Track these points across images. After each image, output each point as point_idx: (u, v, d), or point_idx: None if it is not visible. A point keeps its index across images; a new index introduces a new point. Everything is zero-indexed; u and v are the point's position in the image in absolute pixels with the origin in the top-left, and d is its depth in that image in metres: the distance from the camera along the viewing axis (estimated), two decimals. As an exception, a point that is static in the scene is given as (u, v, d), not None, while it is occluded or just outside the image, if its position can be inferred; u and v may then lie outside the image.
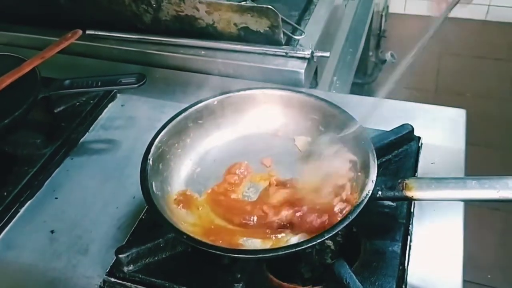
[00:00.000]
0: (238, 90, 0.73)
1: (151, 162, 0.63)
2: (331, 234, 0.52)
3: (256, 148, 0.71)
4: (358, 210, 0.54)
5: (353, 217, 0.53)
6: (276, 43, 0.89)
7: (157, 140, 0.65)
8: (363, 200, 0.55)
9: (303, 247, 0.52)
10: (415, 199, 0.58)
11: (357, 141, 0.62)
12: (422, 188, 0.57)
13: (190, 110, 0.70)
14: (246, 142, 0.72)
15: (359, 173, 0.61)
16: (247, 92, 0.73)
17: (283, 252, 0.53)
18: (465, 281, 0.59)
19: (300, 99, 0.71)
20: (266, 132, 0.73)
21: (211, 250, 0.53)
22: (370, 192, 0.56)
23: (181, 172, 0.68)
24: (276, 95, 0.73)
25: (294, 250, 0.53)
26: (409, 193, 0.57)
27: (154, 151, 0.64)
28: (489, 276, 1.56)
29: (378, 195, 0.58)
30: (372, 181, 0.57)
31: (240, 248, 0.58)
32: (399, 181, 0.58)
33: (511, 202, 0.54)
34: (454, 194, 0.56)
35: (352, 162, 0.63)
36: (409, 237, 0.62)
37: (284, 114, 0.72)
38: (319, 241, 0.52)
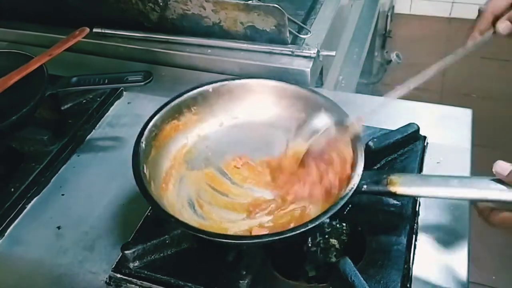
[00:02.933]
0: (233, 79, 0.73)
1: (143, 146, 0.63)
2: (314, 224, 0.53)
3: (249, 137, 0.72)
4: (342, 203, 0.54)
5: (336, 209, 0.53)
6: (282, 42, 0.89)
7: (150, 123, 0.65)
8: (347, 193, 0.55)
9: (287, 235, 0.52)
10: (398, 195, 0.58)
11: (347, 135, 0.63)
12: (406, 184, 0.57)
13: (185, 96, 0.70)
14: (239, 131, 0.72)
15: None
16: (242, 81, 0.73)
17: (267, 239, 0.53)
18: (469, 282, 0.58)
19: (294, 91, 0.72)
20: (260, 122, 0.73)
21: (199, 234, 0.54)
22: (355, 185, 0.56)
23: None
24: (270, 85, 0.73)
25: (277, 238, 0.53)
26: (392, 188, 0.57)
27: (147, 135, 0.64)
28: (493, 277, 1.56)
29: (363, 189, 0.58)
30: (358, 174, 0.57)
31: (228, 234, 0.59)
32: (384, 176, 0.58)
33: (490, 202, 0.54)
34: (436, 191, 0.57)
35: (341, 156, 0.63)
36: (414, 236, 0.62)
37: (277, 105, 0.72)
38: (301, 230, 0.52)
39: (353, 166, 0.59)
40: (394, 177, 0.58)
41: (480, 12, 0.64)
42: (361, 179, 0.57)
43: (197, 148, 0.70)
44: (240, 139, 0.71)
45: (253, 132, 0.72)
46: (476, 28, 0.64)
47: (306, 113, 0.70)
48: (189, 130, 0.71)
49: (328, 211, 0.54)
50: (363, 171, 0.58)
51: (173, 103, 0.69)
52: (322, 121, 0.67)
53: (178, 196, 0.64)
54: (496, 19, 0.63)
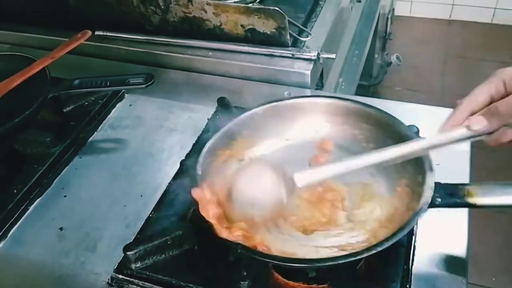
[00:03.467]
0: (283, 99, 0.71)
1: (199, 172, 0.61)
2: (389, 244, 0.51)
3: (301, 157, 0.69)
4: (417, 219, 0.52)
5: (411, 227, 0.52)
6: (283, 44, 0.90)
7: (204, 150, 0.63)
8: (422, 208, 0.53)
9: (358, 257, 0.51)
10: (478, 206, 0.55)
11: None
12: (486, 194, 0.55)
13: (236, 120, 0.68)
14: (291, 152, 0.70)
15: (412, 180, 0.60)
16: (292, 101, 0.71)
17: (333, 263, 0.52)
18: (469, 284, 0.59)
19: (347, 107, 0.69)
20: (312, 141, 0.70)
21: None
22: (430, 199, 0.54)
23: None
24: (322, 103, 0.71)
25: (351, 259, 0.51)
26: (471, 200, 0.55)
27: (202, 161, 0.62)
28: (493, 278, 1.56)
29: (437, 202, 0.55)
30: (431, 187, 0.55)
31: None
32: (460, 187, 0.56)
33: None
34: None
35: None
36: (413, 237, 0.62)
37: (330, 122, 0.70)
38: (374, 251, 0.51)
39: (423, 179, 0.57)
40: (471, 188, 0.56)
41: (457, 104, 0.55)
42: (434, 192, 0.55)
43: None
44: (291, 160, 0.67)
45: (305, 153, 0.69)
46: (449, 120, 0.56)
47: (360, 129, 0.68)
48: (241, 154, 0.68)
49: (403, 229, 0.52)
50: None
51: (224, 129, 0.67)
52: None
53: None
54: (472, 114, 0.55)
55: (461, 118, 0.55)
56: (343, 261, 0.51)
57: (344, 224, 0.61)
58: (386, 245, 0.51)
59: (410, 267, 0.59)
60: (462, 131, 0.54)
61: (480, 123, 0.53)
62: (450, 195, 0.56)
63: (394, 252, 0.60)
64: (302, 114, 0.71)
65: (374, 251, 0.51)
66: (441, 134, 0.56)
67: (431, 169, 0.57)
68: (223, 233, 0.55)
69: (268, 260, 0.53)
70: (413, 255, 0.60)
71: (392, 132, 0.65)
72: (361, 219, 0.61)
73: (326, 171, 0.57)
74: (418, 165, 0.59)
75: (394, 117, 0.66)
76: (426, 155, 0.59)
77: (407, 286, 0.57)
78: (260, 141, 0.70)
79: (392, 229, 0.54)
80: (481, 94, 0.54)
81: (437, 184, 0.56)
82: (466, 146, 0.75)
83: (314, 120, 0.71)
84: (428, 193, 0.55)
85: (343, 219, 0.62)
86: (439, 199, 0.55)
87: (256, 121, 0.69)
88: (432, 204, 0.55)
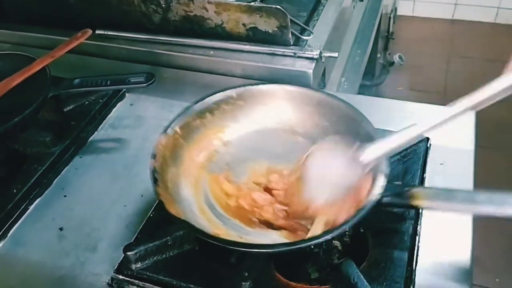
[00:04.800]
0: (257, 84, 0.72)
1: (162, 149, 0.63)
2: (335, 234, 0.52)
3: (270, 144, 0.70)
4: (361, 214, 0.53)
5: (354, 221, 0.52)
6: (285, 43, 0.89)
7: (170, 127, 0.65)
8: (366, 205, 0.54)
9: (302, 245, 0.52)
10: (420, 208, 0.57)
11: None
12: (430, 198, 0.56)
13: (208, 99, 0.69)
14: (261, 137, 0.71)
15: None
16: (266, 86, 0.72)
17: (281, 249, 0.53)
18: (473, 285, 0.58)
19: (319, 98, 0.70)
20: (282, 128, 0.71)
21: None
22: (377, 197, 0.54)
23: None
24: (295, 91, 0.71)
25: (293, 247, 0.52)
26: (414, 202, 0.56)
27: (166, 139, 0.64)
28: (497, 279, 1.55)
29: (383, 201, 0.56)
30: (380, 186, 0.55)
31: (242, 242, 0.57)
32: (406, 189, 0.57)
33: None
34: (462, 208, 0.55)
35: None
36: (417, 238, 0.62)
37: (300, 111, 0.71)
38: (322, 240, 0.52)
39: (374, 177, 0.57)
40: (416, 190, 0.56)
41: None
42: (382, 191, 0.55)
43: (219, 153, 0.69)
44: (262, 146, 0.70)
45: (275, 139, 0.70)
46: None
47: (330, 122, 0.68)
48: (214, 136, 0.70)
49: (348, 221, 0.53)
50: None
51: (195, 107, 0.68)
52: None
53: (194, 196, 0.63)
54: None
55: None
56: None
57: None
58: (328, 236, 0.52)
59: (413, 268, 0.58)
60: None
61: None
62: (396, 196, 0.57)
63: (398, 253, 0.59)
64: (274, 101, 0.71)
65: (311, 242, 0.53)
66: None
67: (384, 167, 0.57)
68: (172, 210, 0.55)
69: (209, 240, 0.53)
70: (417, 256, 0.60)
71: (354, 127, 0.65)
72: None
73: (387, 144, 0.58)
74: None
75: (359, 112, 0.66)
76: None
77: (411, 286, 0.57)
78: (231, 124, 0.71)
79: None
80: None
81: (387, 184, 0.56)
82: (470, 145, 0.74)
83: (286, 108, 0.71)
84: (376, 190, 0.55)
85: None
86: (385, 198, 0.56)
87: (229, 103, 0.70)
88: (379, 202, 0.55)
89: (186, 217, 0.56)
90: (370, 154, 0.58)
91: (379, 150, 0.58)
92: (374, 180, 0.57)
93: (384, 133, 0.71)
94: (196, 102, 0.68)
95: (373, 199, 0.54)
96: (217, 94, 0.70)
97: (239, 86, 0.71)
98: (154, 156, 0.61)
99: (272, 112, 0.72)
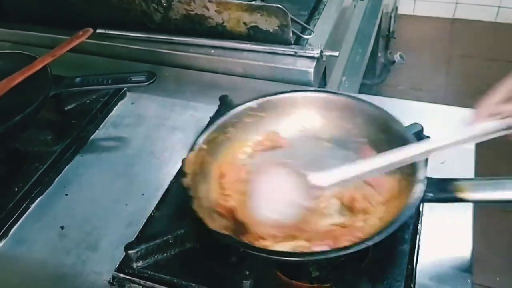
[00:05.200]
0: (276, 93, 0.71)
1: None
2: (382, 238, 0.51)
3: (295, 153, 0.69)
4: (408, 214, 0.52)
5: (402, 222, 0.52)
6: (285, 42, 0.89)
7: (199, 142, 0.64)
8: (413, 202, 0.53)
9: (351, 250, 0.51)
10: (469, 201, 0.55)
11: (400, 142, 0.60)
12: (477, 190, 0.55)
13: (230, 113, 0.68)
14: (286, 147, 0.70)
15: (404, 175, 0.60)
16: (287, 95, 0.71)
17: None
18: (474, 284, 0.58)
19: (342, 102, 0.70)
20: (306, 135, 0.71)
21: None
22: (422, 193, 0.54)
23: None
24: (318, 97, 0.71)
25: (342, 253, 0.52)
26: (461, 195, 0.54)
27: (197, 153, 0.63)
28: (497, 278, 1.55)
29: (428, 197, 0.55)
30: (423, 182, 0.55)
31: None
32: (449, 182, 0.56)
33: None
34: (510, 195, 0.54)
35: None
36: (418, 236, 0.62)
37: (324, 117, 0.70)
38: (368, 245, 0.51)
39: (413, 173, 0.56)
40: (461, 183, 0.55)
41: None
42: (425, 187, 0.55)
43: (245, 166, 0.68)
44: (287, 155, 0.68)
45: (301, 147, 0.70)
46: (477, 113, 0.55)
47: (355, 124, 0.68)
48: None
49: (392, 224, 0.52)
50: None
51: (218, 122, 0.67)
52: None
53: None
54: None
55: (486, 112, 0.55)
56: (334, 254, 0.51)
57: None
58: (378, 239, 0.51)
59: (414, 266, 0.58)
60: (491, 124, 0.54)
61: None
62: (440, 190, 0.56)
63: (398, 252, 0.59)
64: (296, 109, 0.71)
65: (365, 246, 0.51)
66: (465, 130, 0.56)
67: (424, 164, 0.57)
68: (214, 225, 0.54)
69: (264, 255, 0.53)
70: (418, 254, 0.60)
71: (385, 127, 0.65)
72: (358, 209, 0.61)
73: (348, 172, 0.56)
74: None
75: (387, 112, 0.66)
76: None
77: (411, 286, 0.57)
78: (254, 136, 0.70)
79: (385, 223, 0.54)
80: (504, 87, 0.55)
81: (428, 179, 0.56)
82: (470, 145, 0.74)
83: (309, 115, 0.71)
84: (419, 188, 0.55)
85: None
86: (430, 194, 0.55)
87: (250, 115, 0.69)
88: (424, 199, 0.55)
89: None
90: (325, 179, 0.56)
91: (334, 177, 0.56)
92: (411, 177, 0.56)
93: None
94: (218, 117, 0.68)
95: (419, 196, 0.53)
96: (238, 107, 0.69)
97: (259, 97, 0.70)
98: (184, 174, 0.60)
99: (294, 120, 0.71)
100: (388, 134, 0.64)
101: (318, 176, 0.56)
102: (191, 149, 0.64)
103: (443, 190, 0.56)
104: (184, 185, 0.59)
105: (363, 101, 0.68)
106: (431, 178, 0.56)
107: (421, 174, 0.56)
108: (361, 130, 0.68)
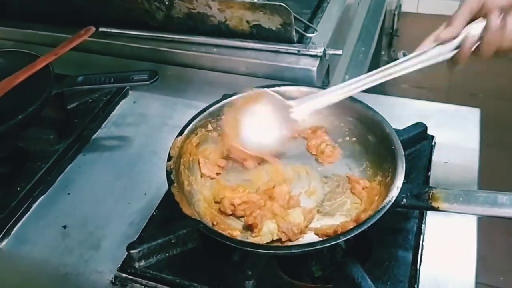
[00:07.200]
0: (269, 86, 0.71)
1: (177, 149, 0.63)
2: (346, 238, 0.52)
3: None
4: (378, 216, 0.52)
5: (372, 222, 0.52)
6: (288, 40, 0.89)
7: (188, 128, 0.65)
8: (384, 206, 0.53)
9: (316, 247, 0.52)
10: (440, 210, 0.55)
11: (386, 145, 0.61)
12: (449, 200, 0.54)
13: (220, 103, 0.69)
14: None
15: (385, 178, 0.60)
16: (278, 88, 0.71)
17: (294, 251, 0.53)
18: (477, 283, 0.58)
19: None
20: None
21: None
22: (394, 198, 0.54)
23: None
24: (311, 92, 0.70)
25: (307, 249, 0.52)
26: (435, 204, 0.54)
27: (183, 139, 0.64)
28: (501, 278, 1.54)
29: (402, 203, 0.56)
30: (397, 187, 0.55)
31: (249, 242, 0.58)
32: (426, 190, 0.56)
33: None
34: (483, 210, 0.53)
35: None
36: (421, 237, 0.61)
37: (315, 111, 0.70)
38: (333, 243, 0.52)
39: (393, 178, 0.57)
40: (436, 192, 0.55)
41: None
42: (400, 193, 0.55)
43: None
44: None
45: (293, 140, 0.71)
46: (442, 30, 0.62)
47: (345, 123, 0.70)
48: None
49: (364, 223, 0.52)
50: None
51: (210, 109, 0.68)
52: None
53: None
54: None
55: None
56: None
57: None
58: (342, 238, 0.52)
59: (418, 267, 0.58)
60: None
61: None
62: (415, 197, 0.56)
63: (402, 252, 0.59)
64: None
65: (326, 245, 0.52)
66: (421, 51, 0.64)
67: (402, 168, 0.57)
68: (187, 211, 0.55)
69: (228, 243, 0.53)
70: (421, 255, 0.60)
71: (374, 128, 0.65)
72: (331, 211, 0.62)
73: (320, 101, 0.64)
74: (392, 164, 0.59)
75: (378, 113, 0.65)
76: (399, 155, 0.59)
77: (415, 286, 0.56)
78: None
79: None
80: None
81: (404, 185, 0.55)
82: (475, 144, 0.74)
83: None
84: (393, 192, 0.55)
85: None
86: (404, 200, 0.56)
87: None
88: (397, 204, 0.54)
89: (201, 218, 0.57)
90: (302, 110, 0.64)
91: (310, 106, 0.64)
92: (391, 182, 0.57)
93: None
94: (212, 105, 0.69)
95: (391, 201, 0.54)
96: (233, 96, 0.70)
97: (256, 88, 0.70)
98: (170, 158, 0.61)
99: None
100: (377, 137, 0.64)
101: (298, 107, 0.64)
102: (179, 134, 0.64)
103: (418, 198, 0.56)
104: (166, 168, 0.60)
105: (356, 100, 0.67)
106: (407, 184, 0.56)
107: (399, 182, 0.56)
108: (351, 129, 0.69)
